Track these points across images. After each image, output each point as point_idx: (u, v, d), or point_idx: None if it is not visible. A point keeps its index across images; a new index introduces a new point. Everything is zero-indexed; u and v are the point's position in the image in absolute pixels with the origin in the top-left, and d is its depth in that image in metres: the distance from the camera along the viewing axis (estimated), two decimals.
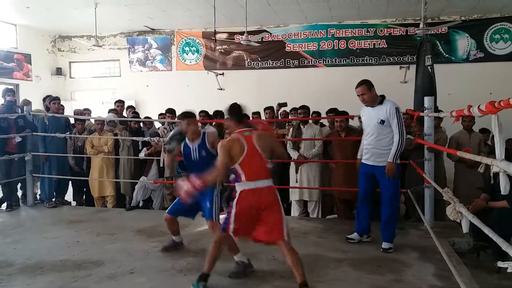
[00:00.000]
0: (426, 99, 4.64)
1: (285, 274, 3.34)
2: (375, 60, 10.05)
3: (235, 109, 3.16)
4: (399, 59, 9.91)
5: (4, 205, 5.99)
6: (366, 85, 3.94)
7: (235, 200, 3.01)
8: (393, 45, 9.92)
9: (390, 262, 3.61)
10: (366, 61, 10.10)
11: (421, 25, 6.75)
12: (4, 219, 5.37)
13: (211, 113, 7.05)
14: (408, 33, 9.68)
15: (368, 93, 3.93)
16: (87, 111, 7.08)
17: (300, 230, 4.61)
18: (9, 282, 3.25)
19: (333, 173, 5.37)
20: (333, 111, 5.75)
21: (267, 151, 3.07)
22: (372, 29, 10.05)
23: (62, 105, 6.61)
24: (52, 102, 6.25)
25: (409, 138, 4.96)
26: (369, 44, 10.12)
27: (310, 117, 6.05)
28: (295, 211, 5.84)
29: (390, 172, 3.81)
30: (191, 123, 3.64)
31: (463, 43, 9.52)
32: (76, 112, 7.37)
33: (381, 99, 3.97)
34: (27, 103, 6.40)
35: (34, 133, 5.96)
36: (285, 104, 7.36)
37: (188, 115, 3.66)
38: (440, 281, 3.19)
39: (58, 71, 11.84)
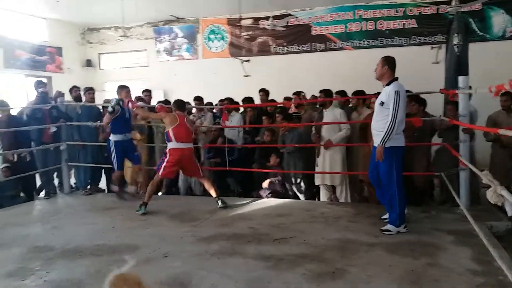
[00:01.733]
0: (460, 78, 4.48)
1: (316, 257, 3.34)
2: (405, 40, 9.75)
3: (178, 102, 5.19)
4: (430, 39, 9.58)
5: (42, 193, 6.23)
6: (383, 59, 3.93)
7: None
8: (423, 24, 9.59)
9: (424, 246, 3.54)
10: (396, 42, 9.82)
11: (453, 3, 6.47)
12: (43, 206, 5.59)
13: (236, 100, 7.08)
14: (439, 12, 9.35)
15: (380, 68, 3.90)
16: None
17: (331, 215, 4.58)
18: (50, 265, 3.38)
19: (359, 156, 5.27)
20: (358, 93, 5.64)
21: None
22: (401, 9, 9.74)
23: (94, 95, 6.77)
24: (88, 92, 6.42)
25: (443, 119, 4.83)
26: (398, 24, 9.82)
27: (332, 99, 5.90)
28: (323, 195, 5.80)
29: (378, 155, 3.81)
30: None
31: (499, 19, 9.09)
32: (107, 101, 7.52)
33: (390, 81, 3.87)
34: (60, 94, 6.59)
35: (68, 123, 6.13)
36: (304, 94, 7.33)
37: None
38: (479, 265, 3.10)
39: (88, 63, 12.11)
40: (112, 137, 5.31)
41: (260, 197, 5.77)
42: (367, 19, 10.00)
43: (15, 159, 6.00)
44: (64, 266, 3.35)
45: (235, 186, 6.50)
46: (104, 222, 4.59)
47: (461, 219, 4.21)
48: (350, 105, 6.22)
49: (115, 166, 5.39)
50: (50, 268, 3.32)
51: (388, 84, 3.86)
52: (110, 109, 5.23)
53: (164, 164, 4.93)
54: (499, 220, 4.13)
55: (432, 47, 9.48)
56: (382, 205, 4.29)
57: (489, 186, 2.62)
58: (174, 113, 5.03)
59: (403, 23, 9.79)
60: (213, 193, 5.11)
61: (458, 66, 5.56)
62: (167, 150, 4.97)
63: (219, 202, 5.04)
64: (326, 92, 5.71)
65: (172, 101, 8.24)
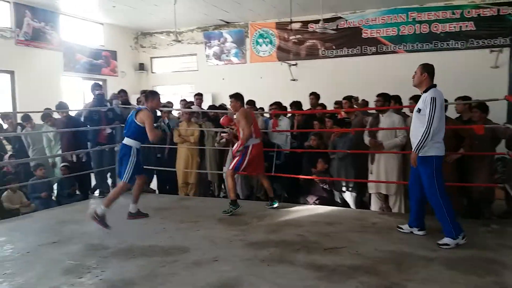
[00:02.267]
0: None
1: (370, 270, 3.22)
2: (462, 44, 9.33)
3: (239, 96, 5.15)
4: (489, 42, 9.11)
5: (96, 192, 6.49)
6: (422, 66, 3.88)
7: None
8: (482, 27, 9.12)
9: (486, 263, 3.31)
10: (452, 45, 9.42)
11: None
12: (98, 205, 5.80)
13: (284, 104, 7.03)
14: (500, 13, 8.84)
15: (418, 75, 3.85)
16: (169, 104, 7.37)
17: (383, 226, 4.41)
18: (105, 264, 3.47)
19: None
20: (414, 98, 5.40)
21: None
22: (458, 11, 9.33)
23: None
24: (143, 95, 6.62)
25: (508, 127, 4.53)
26: (454, 27, 9.42)
27: (389, 105, 5.70)
28: (374, 205, 5.61)
29: (412, 162, 3.80)
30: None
31: None
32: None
33: (427, 88, 3.79)
34: (116, 97, 6.84)
35: (122, 125, 6.34)
36: (356, 98, 7.15)
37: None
38: None
39: (141, 67, 12.55)
40: (134, 144, 4.53)
41: (307, 203, 5.68)
42: (420, 22, 9.66)
43: (74, 159, 6.29)
44: (118, 265, 3.44)
45: (281, 191, 6.45)
46: (155, 223, 4.68)
47: None
48: (403, 110, 6.00)
49: (128, 176, 4.49)
50: (105, 266, 3.41)
51: (425, 91, 3.78)
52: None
53: (247, 158, 4.98)
54: None
55: (492, 51, 8.99)
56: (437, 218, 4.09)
57: None
58: (248, 109, 5.19)
59: (460, 26, 9.37)
60: (270, 192, 5.27)
61: None
62: (249, 146, 4.98)
63: (274, 203, 5.19)
64: (385, 97, 5.52)
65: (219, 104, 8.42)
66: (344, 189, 5.76)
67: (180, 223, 4.64)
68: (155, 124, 5.00)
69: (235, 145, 5.07)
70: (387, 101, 5.56)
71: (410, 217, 4.16)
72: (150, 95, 4.71)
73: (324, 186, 5.80)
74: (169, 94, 11.70)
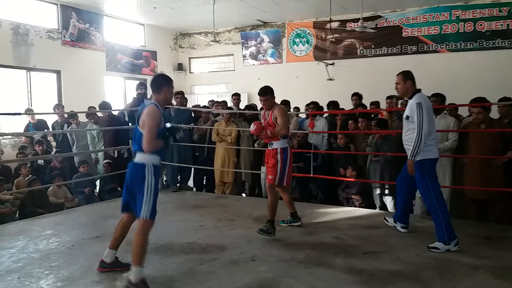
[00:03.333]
0: None
1: (411, 276, 3.13)
2: (509, 43, 8.89)
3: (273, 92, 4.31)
4: None
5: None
6: (403, 75, 3.88)
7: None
8: None
9: None
10: (498, 44, 9.00)
11: None
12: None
13: (321, 104, 6.96)
14: None
15: (402, 84, 3.86)
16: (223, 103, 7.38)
17: (426, 231, 4.26)
18: (146, 259, 3.56)
19: (465, 169, 4.85)
20: (477, 101, 5.15)
21: None
22: (505, 8, 8.92)
23: (185, 98, 7.08)
24: (176, 96, 6.73)
25: None
26: (501, 25, 9.01)
27: (445, 105, 5.46)
28: (418, 208, 5.45)
29: (409, 170, 3.83)
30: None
31: None
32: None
33: (412, 94, 3.81)
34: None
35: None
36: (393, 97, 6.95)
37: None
38: None
39: (179, 67, 12.79)
40: (149, 160, 2.99)
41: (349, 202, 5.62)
42: (465, 20, 9.30)
43: (116, 155, 6.49)
44: (158, 262, 3.51)
45: (317, 192, 6.39)
46: (193, 220, 4.76)
47: None
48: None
49: (148, 210, 2.97)
50: (146, 262, 3.44)
51: (411, 98, 3.82)
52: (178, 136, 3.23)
53: (288, 165, 4.20)
54: None
55: None
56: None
57: None
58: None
59: (508, 24, 8.94)
60: (291, 208, 4.53)
61: None
62: (288, 150, 4.21)
63: (296, 221, 4.52)
64: (441, 97, 5.32)
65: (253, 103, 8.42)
66: (379, 191, 5.64)
67: (217, 221, 4.69)
68: (169, 125, 3.13)
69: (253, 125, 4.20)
70: (443, 102, 5.37)
71: (395, 212, 4.41)
72: (159, 83, 3.09)
73: (353, 196, 5.70)
74: (205, 94, 11.92)
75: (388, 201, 5.62)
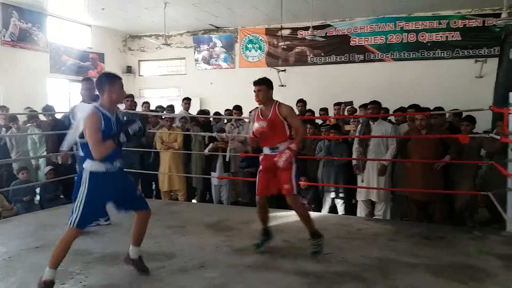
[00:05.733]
0: (511, 94, 4.26)
1: (356, 277, 3.23)
2: (448, 53, 9.48)
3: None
4: (474, 52, 9.28)
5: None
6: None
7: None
8: (468, 37, 9.30)
9: (470, 270, 3.36)
10: (438, 54, 9.56)
11: (503, 15, 6.22)
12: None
13: None
14: (486, 24, 9.03)
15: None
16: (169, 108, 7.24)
17: (369, 232, 4.44)
18: (88, 270, 3.41)
19: (408, 172, 5.11)
20: (413, 107, 5.47)
21: None
22: (444, 21, 9.50)
23: (135, 102, 6.91)
24: (126, 99, 6.55)
25: (492, 138, 4.61)
26: (441, 36, 9.57)
27: (381, 113, 5.79)
28: (361, 211, 5.66)
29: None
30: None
31: None
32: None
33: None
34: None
35: None
36: (350, 103, 7.20)
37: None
38: None
39: (128, 69, 12.46)
40: (88, 166, 2.91)
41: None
42: (408, 31, 9.79)
43: (60, 162, 6.19)
44: (102, 272, 3.38)
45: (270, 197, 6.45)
46: None
47: (508, 242, 4.01)
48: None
49: (76, 219, 2.89)
50: (89, 272, 3.36)
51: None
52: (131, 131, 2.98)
53: (295, 173, 3.69)
54: None
55: (476, 61, 9.17)
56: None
57: None
58: None
59: (446, 35, 9.52)
60: None
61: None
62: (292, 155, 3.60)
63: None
64: (378, 104, 5.58)
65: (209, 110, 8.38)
66: (333, 195, 5.80)
67: (166, 229, 4.59)
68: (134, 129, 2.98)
69: (284, 154, 3.52)
70: (381, 109, 5.63)
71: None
72: (101, 82, 2.92)
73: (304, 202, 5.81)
74: (156, 98, 11.68)
75: (339, 204, 5.79)
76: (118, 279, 3.23)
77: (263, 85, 3.69)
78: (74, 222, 2.89)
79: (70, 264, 3.51)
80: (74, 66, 10.69)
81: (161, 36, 10.84)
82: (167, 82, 12.29)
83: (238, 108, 6.85)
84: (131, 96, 6.75)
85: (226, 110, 7.43)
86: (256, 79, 3.76)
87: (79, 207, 2.87)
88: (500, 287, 3.05)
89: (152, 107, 7.68)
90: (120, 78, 3.04)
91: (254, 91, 3.73)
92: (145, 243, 4.01)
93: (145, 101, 7.76)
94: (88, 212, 2.89)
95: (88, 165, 2.89)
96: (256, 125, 3.65)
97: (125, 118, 3.03)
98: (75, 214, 2.88)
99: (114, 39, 12.17)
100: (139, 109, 7.47)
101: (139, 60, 12.66)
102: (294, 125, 3.66)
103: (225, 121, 7.34)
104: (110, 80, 2.95)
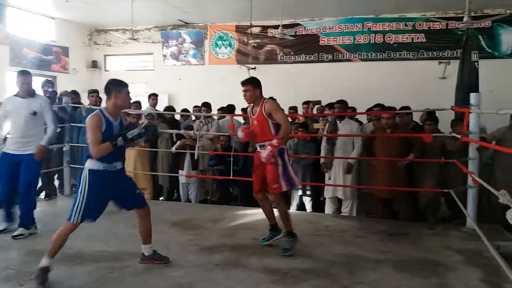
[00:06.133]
0: (472, 95, 4.41)
1: (322, 273, 3.26)
2: (413, 54, 9.73)
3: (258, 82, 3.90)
4: (438, 54, 9.56)
5: (42, 194, 6.15)
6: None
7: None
8: (432, 39, 9.58)
9: (432, 265, 3.46)
10: (404, 55, 9.79)
11: (465, 18, 6.42)
12: (43, 208, 5.49)
13: (241, 107, 7.03)
14: (449, 27, 9.31)
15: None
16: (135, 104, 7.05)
17: (336, 229, 4.50)
18: (52, 269, 3.28)
19: (373, 170, 5.20)
20: (378, 106, 5.58)
21: None
22: (410, 23, 9.73)
23: (100, 98, 6.69)
24: (90, 94, 6.35)
25: (453, 137, 4.76)
26: (407, 38, 9.81)
27: (347, 112, 5.88)
28: (328, 208, 5.73)
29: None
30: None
31: (508, 37, 9.07)
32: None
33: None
34: (67, 94, 6.53)
35: (72, 124, 6.07)
36: (319, 102, 7.26)
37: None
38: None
39: (94, 64, 12.10)
40: (88, 165, 3.11)
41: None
42: (375, 32, 9.97)
43: None
44: (64, 272, 3.27)
45: (239, 195, 6.43)
46: (106, 227, 4.46)
47: (468, 237, 4.15)
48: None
49: (76, 214, 3.07)
50: (50, 273, 3.23)
51: None
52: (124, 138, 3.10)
53: (290, 164, 3.78)
54: (505, 240, 4.04)
55: (440, 62, 9.46)
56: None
57: (506, 206, 2.55)
58: None
59: (412, 37, 9.77)
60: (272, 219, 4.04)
61: (477, 83, 5.56)
62: (285, 149, 3.73)
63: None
64: (345, 103, 5.64)
65: (176, 107, 8.27)
66: (301, 192, 5.84)
67: (131, 228, 4.46)
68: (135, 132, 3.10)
69: (265, 150, 3.49)
70: (347, 108, 5.71)
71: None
72: (107, 89, 3.15)
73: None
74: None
75: (307, 201, 5.83)
76: (80, 279, 3.14)
77: (249, 85, 3.79)
78: (75, 218, 3.08)
79: (29, 265, 3.38)
80: (36, 60, 10.26)
81: (128, 30, 10.56)
82: (134, 78, 11.96)
83: (207, 105, 6.78)
84: (96, 91, 6.52)
85: (195, 107, 7.33)
86: (243, 79, 3.91)
87: (81, 203, 3.06)
88: (460, 281, 3.15)
89: None
90: (127, 86, 3.23)
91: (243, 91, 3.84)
92: (109, 243, 3.93)
93: (153, 92, 7.68)
94: (89, 207, 3.07)
95: (88, 163, 3.10)
96: (239, 134, 3.85)
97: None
98: (75, 210, 3.06)
99: (79, 32, 11.78)
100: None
101: (105, 55, 12.31)
102: (277, 120, 3.68)
103: (193, 118, 7.25)
104: (117, 87, 3.17)
